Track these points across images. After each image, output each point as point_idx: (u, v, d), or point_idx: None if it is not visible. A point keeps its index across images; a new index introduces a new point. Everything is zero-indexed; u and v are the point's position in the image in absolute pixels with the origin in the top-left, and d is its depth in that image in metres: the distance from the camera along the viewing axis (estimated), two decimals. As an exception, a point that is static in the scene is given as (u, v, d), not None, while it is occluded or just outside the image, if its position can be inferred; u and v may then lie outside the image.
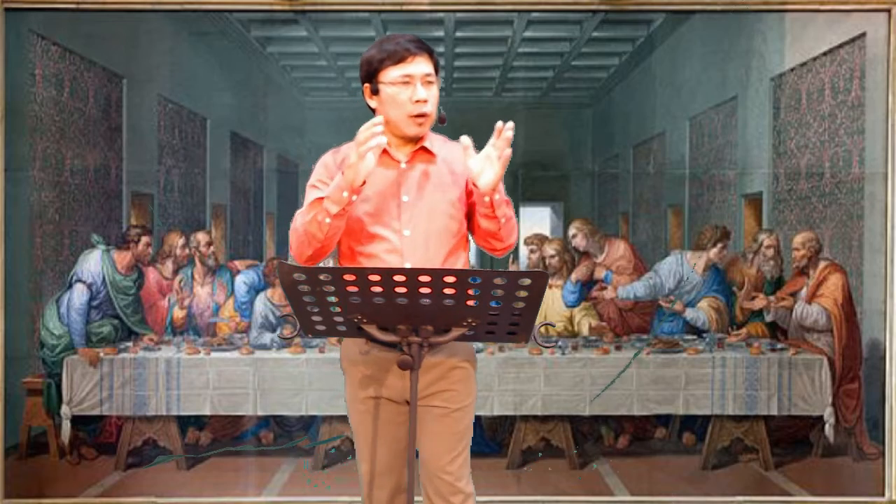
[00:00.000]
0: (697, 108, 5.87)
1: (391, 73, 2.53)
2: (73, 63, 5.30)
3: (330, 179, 2.55)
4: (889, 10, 4.78)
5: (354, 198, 2.42)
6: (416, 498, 2.48)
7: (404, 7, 4.86)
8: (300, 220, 2.49)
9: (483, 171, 2.42)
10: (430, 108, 2.55)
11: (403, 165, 2.59)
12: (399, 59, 2.52)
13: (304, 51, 5.90)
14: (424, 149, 2.61)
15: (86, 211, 5.37)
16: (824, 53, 5.28)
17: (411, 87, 2.52)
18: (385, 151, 2.58)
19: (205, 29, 5.49)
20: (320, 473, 5.12)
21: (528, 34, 5.69)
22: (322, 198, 2.44)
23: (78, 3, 4.77)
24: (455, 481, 2.57)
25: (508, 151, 2.40)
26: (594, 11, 5.23)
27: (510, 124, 2.40)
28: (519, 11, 5.28)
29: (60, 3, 4.78)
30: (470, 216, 2.61)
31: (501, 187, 2.52)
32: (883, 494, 4.85)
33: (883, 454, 4.87)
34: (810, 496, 4.94)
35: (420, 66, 2.53)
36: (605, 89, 6.20)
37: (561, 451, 5.21)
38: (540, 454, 5.24)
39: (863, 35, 4.99)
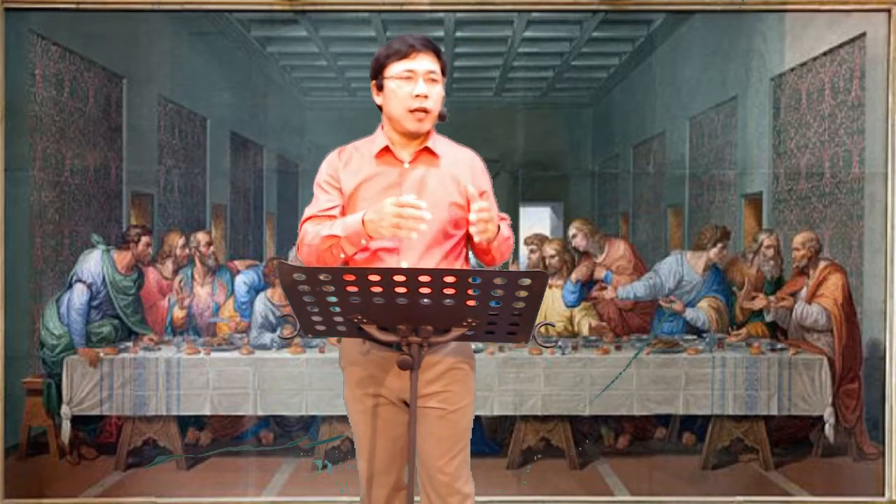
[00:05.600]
0: (697, 108, 5.87)
1: (394, 68, 2.54)
2: (73, 63, 5.30)
3: (335, 179, 2.59)
4: (889, 10, 4.78)
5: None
6: (416, 497, 2.49)
7: (404, 7, 4.85)
8: (313, 236, 2.50)
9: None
10: (432, 104, 2.55)
11: (406, 165, 2.60)
12: (403, 55, 2.53)
13: (304, 51, 5.89)
14: (428, 149, 2.61)
15: (86, 211, 5.37)
16: (824, 53, 5.28)
17: (413, 82, 2.53)
18: (388, 150, 2.59)
19: (205, 29, 5.49)
20: (319, 473, 5.12)
21: (528, 34, 5.69)
22: (338, 235, 2.45)
23: (78, 3, 4.76)
24: (452, 482, 2.57)
25: (489, 232, 2.45)
26: (594, 11, 5.23)
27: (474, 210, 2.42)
28: (519, 11, 5.27)
29: (60, 3, 4.77)
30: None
31: (494, 208, 2.59)
32: (883, 494, 4.85)
33: (883, 454, 4.87)
34: (810, 496, 4.94)
35: (423, 62, 2.54)
36: (605, 89, 6.19)
37: (561, 451, 5.21)
38: (537, 456, 5.23)
39: (863, 35, 4.99)
